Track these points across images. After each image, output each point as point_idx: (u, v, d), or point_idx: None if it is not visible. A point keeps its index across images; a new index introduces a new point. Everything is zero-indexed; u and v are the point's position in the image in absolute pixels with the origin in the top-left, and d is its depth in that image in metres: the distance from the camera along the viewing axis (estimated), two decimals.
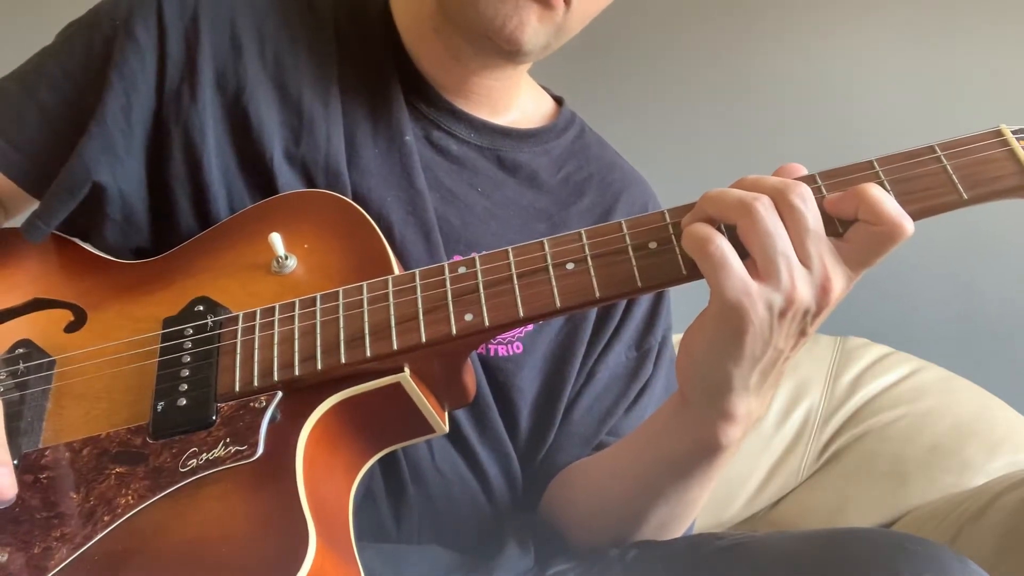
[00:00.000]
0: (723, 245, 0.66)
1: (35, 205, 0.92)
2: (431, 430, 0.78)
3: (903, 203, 0.67)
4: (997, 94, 2.03)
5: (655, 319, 1.00)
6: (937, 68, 2.04)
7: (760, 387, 0.72)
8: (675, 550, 0.84)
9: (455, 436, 0.88)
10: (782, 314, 0.67)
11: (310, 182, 0.88)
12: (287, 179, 0.87)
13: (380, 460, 0.79)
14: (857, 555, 0.69)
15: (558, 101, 1.07)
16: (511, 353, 0.91)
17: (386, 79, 0.93)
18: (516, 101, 1.01)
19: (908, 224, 0.66)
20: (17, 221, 0.95)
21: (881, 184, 0.68)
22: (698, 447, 0.77)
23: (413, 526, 0.86)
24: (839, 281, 0.67)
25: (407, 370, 0.73)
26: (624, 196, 1.02)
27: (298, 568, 0.61)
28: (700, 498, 0.85)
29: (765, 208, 0.66)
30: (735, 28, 2.04)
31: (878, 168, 0.69)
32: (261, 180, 0.87)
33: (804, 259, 0.66)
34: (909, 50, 2.04)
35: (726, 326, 0.67)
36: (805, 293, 0.66)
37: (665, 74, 2.02)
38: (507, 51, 0.87)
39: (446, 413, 0.79)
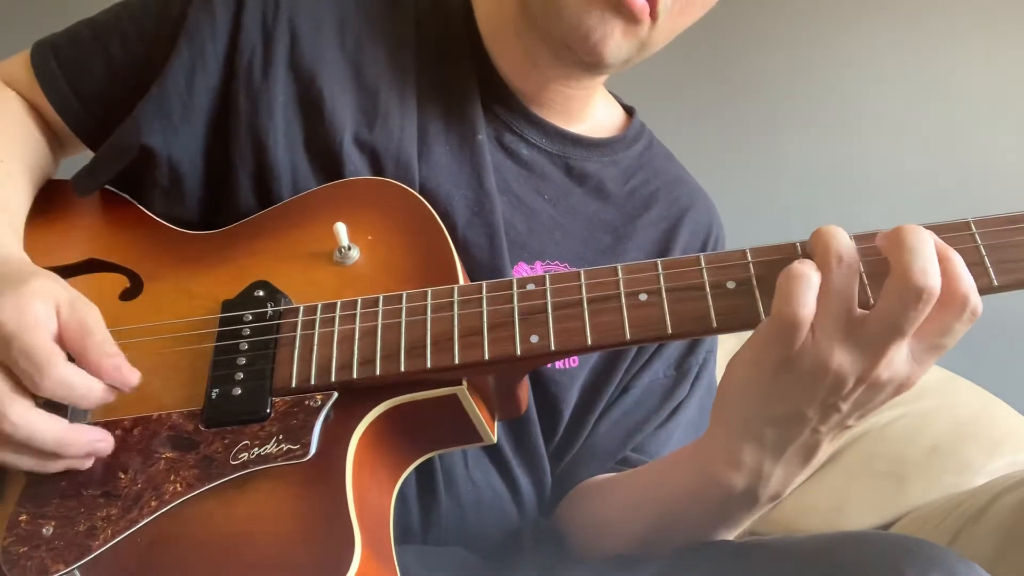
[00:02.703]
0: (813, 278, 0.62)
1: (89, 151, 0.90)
2: (479, 439, 0.75)
3: (998, 272, 0.63)
4: (996, 95, 2.05)
5: (700, 340, 0.96)
6: (937, 70, 2.05)
7: (778, 449, 0.68)
8: (682, 553, 0.82)
9: (491, 447, 0.85)
10: (813, 375, 0.63)
11: (379, 170, 0.84)
12: (356, 165, 0.83)
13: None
14: (863, 558, 0.67)
15: (628, 111, 1.03)
16: (567, 367, 0.88)
17: (463, 78, 0.89)
18: (590, 110, 0.97)
19: (975, 300, 0.61)
20: (68, 165, 0.94)
21: (976, 248, 0.64)
22: (701, 478, 0.73)
23: (440, 530, 0.84)
24: (897, 367, 0.63)
25: (465, 383, 0.70)
26: (690, 212, 0.97)
27: (344, 573, 0.60)
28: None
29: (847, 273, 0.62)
30: (736, 30, 2.03)
31: (975, 230, 0.64)
32: (328, 163, 0.84)
33: (863, 338, 0.62)
34: (915, 53, 2.05)
35: (769, 346, 0.64)
36: (844, 368, 0.62)
37: (668, 78, 2.00)
38: (588, 63, 0.84)
39: (496, 424, 0.76)
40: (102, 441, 0.68)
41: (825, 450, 0.69)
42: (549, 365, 0.87)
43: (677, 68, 2.00)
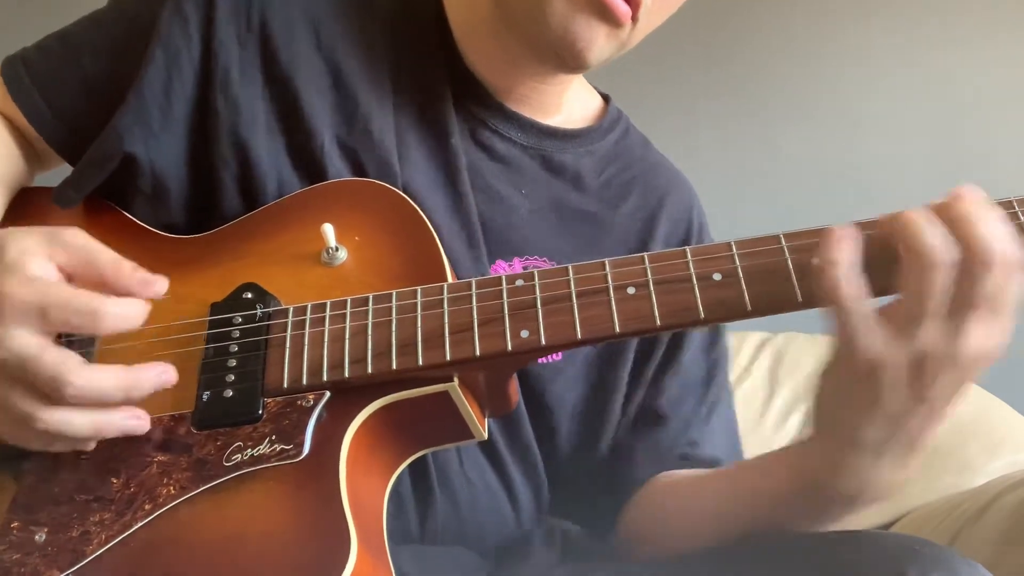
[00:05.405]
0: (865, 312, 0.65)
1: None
2: (470, 436, 0.78)
3: None
4: (996, 93, 2.11)
5: (718, 333, 1.01)
6: (937, 68, 2.11)
7: (880, 450, 0.69)
8: (682, 554, 0.85)
9: (485, 443, 0.88)
10: (903, 370, 0.65)
11: (360, 172, 0.88)
12: (338, 167, 0.87)
13: (409, 463, 0.80)
14: (864, 558, 0.70)
15: (605, 98, 1.07)
16: (549, 360, 0.91)
17: (436, 78, 0.93)
18: (565, 102, 1.01)
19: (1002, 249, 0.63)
20: (49, 178, 0.95)
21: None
22: (806, 487, 0.75)
23: (437, 529, 0.87)
24: (976, 339, 0.64)
25: (456, 379, 0.73)
26: (668, 199, 1.01)
27: (340, 571, 0.62)
28: None
29: (946, 268, 0.63)
30: (737, 31, 2.11)
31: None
32: (311, 166, 0.87)
33: (951, 317, 0.64)
34: (910, 53, 2.11)
35: (848, 371, 0.67)
36: (927, 355, 0.65)
37: (667, 74, 2.08)
38: (571, 66, 0.88)
39: (486, 420, 0.80)
40: (166, 372, 0.70)
41: (925, 442, 0.70)
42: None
43: (676, 67, 2.07)
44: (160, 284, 0.71)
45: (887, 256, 0.66)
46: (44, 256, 0.69)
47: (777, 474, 0.78)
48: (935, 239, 0.63)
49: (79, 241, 0.70)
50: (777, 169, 2.14)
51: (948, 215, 0.64)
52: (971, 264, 0.63)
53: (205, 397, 0.73)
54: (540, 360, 0.90)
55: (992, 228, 0.63)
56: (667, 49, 2.03)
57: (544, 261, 0.92)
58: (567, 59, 0.86)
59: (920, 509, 1.57)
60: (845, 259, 0.65)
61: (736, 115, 2.13)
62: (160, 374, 0.70)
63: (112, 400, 0.68)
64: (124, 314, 0.68)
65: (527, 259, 0.92)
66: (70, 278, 0.70)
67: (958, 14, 2.07)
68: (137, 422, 0.70)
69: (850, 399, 0.68)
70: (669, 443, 0.96)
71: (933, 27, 2.08)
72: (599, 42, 0.85)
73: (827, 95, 2.12)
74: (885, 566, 0.68)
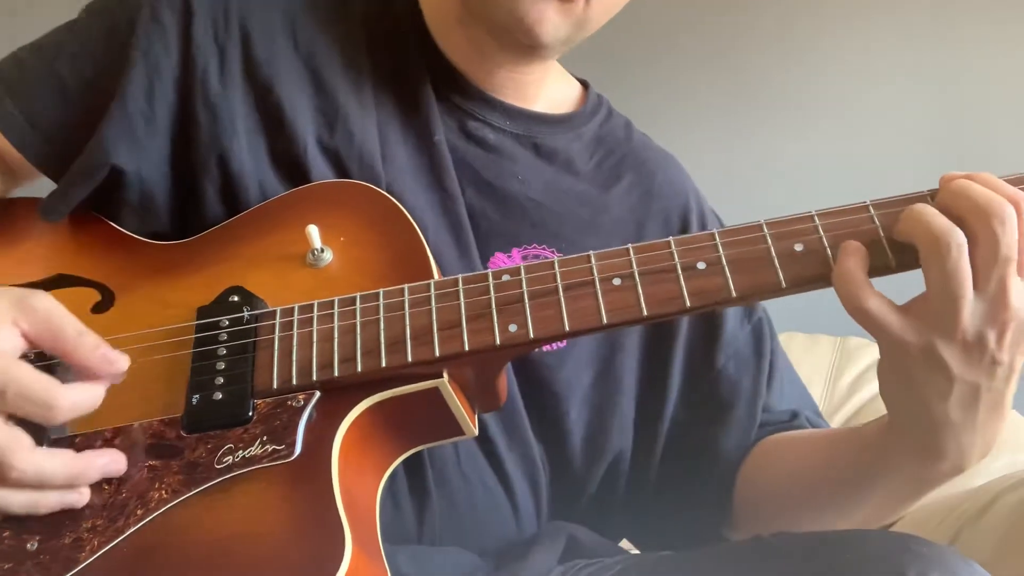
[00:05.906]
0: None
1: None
2: (461, 432, 0.79)
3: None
4: (993, 95, 2.12)
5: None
6: (935, 69, 2.13)
7: (969, 423, 0.72)
8: (682, 553, 0.87)
9: (483, 440, 0.89)
10: (965, 347, 0.68)
11: (344, 174, 0.88)
12: (321, 170, 0.88)
13: (405, 462, 0.81)
14: (863, 556, 0.71)
15: (584, 84, 1.08)
16: (554, 347, 0.91)
17: (415, 75, 0.94)
18: (545, 89, 1.02)
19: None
20: (28, 190, 0.95)
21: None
22: (907, 472, 0.78)
23: (435, 528, 0.87)
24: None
25: (446, 375, 0.74)
26: (660, 175, 1.03)
27: (335, 570, 0.63)
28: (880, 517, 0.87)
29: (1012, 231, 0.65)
30: (734, 29, 2.12)
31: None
32: (294, 169, 0.88)
33: (988, 284, 0.66)
34: (910, 53, 2.12)
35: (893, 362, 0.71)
36: (978, 326, 0.67)
37: (664, 73, 2.10)
38: (527, 45, 0.89)
39: (476, 416, 0.80)
40: (115, 463, 0.71)
41: (1010, 397, 0.72)
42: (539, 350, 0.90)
43: (674, 66, 2.10)
44: (121, 363, 0.71)
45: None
46: (10, 321, 0.69)
47: (887, 466, 0.80)
48: (941, 224, 0.66)
49: (46, 308, 0.70)
50: (774, 168, 2.16)
51: (944, 197, 0.68)
52: (986, 227, 0.65)
53: (194, 400, 0.73)
54: (545, 347, 0.91)
55: (986, 189, 0.66)
56: (665, 48, 2.06)
57: (543, 249, 0.93)
58: (522, 38, 0.87)
59: (920, 509, 1.56)
60: (860, 271, 0.68)
61: (734, 113, 2.15)
62: (109, 463, 0.70)
63: (57, 486, 0.69)
64: (78, 405, 0.69)
65: (525, 248, 0.93)
66: (33, 344, 0.70)
67: (958, 14, 2.08)
68: (76, 496, 0.70)
69: (920, 389, 0.70)
70: (746, 421, 0.98)
71: (932, 27, 2.09)
72: (550, 17, 0.85)
73: (824, 93, 2.13)
74: (885, 566, 0.69)
